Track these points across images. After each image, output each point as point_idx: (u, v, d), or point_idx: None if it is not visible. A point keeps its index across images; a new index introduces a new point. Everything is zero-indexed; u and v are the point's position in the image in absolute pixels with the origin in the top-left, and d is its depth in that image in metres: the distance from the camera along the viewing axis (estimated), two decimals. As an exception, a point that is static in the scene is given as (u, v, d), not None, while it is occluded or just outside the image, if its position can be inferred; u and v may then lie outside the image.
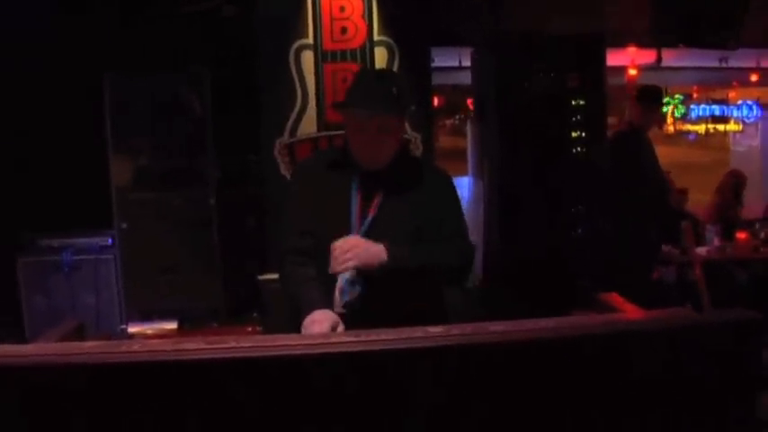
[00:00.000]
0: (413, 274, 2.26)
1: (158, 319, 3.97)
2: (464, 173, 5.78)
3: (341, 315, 2.21)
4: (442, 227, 2.37)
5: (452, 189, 2.49)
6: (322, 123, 4.25)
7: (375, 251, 2.21)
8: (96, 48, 4.27)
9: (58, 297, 4.50)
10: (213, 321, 4.10)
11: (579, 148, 4.44)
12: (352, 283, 2.27)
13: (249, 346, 1.42)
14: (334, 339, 1.66)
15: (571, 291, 3.96)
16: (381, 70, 2.64)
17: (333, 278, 2.28)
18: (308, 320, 2.13)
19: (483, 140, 4.94)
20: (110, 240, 4.50)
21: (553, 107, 4.41)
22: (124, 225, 4.36)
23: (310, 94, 4.22)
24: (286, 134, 4.25)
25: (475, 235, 4.68)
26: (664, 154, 5.43)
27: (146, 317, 4.29)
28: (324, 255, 2.30)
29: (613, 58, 5.12)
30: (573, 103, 4.42)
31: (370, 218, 2.31)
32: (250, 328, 3.41)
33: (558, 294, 3.86)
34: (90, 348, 1.49)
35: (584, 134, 4.44)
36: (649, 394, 1.40)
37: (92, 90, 4.30)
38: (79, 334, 1.76)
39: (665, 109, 8.37)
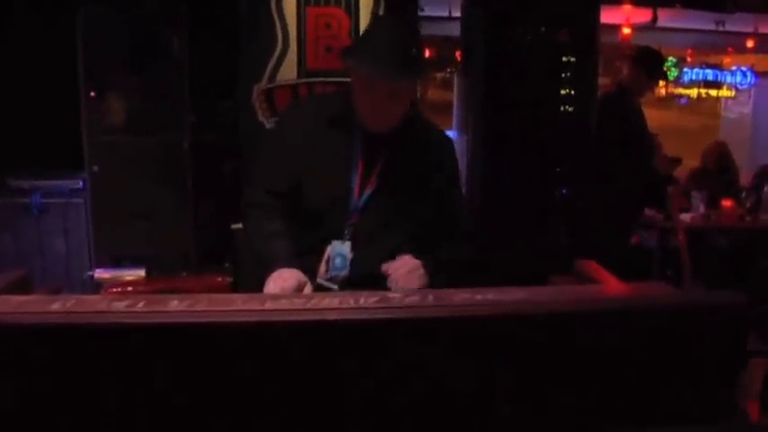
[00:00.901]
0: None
1: (128, 265, 3.85)
2: (449, 127, 5.65)
3: (322, 288, 2.07)
4: (445, 195, 2.24)
5: (454, 153, 2.34)
6: (303, 70, 4.09)
7: (424, 281, 2.04)
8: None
9: (26, 241, 4.38)
10: (183, 270, 4.00)
11: (567, 107, 4.31)
12: (343, 259, 2.12)
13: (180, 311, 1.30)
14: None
15: (549, 253, 3.88)
16: (400, 25, 2.21)
17: (316, 246, 2.13)
18: (273, 276, 1.99)
19: (468, 94, 4.82)
20: (80, 183, 4.37)
21: (542, 63, 4.28)
22: (95, 168, 4.22)
23: (291, 39, 4.05)
24: (265, 80, 4.09)
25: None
26: (654, 118, 5.33)
27: (116, 263, 4.18)
28: (313, 219, 2.16)
29: (607, 16, 4.97)
30: (563, 59, 4.29)
31: (370, 188, 2.14)
32: (220, 278, 3.31)
33: (536, 256, 3.77)
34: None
35: (573, 92, 4.31)
36: (621, 380, 1.31)
37: (65, 26, 4.12)
38: (22, 287, 1.63)
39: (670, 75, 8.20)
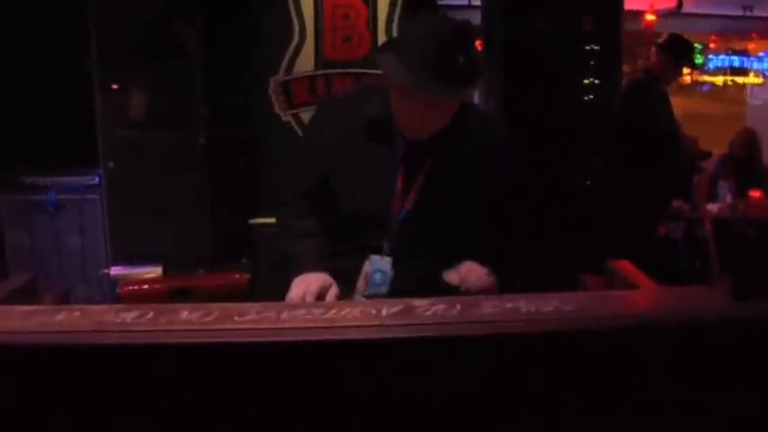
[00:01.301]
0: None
1: (144, 262, 3.79)
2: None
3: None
4: (493, 193, 2.00)
5: (508, 147, 2.12)
6: (320, 61, 4.01)
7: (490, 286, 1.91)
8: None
9: (41, 238, 4.33)
10: (200, 266, 3.93)
11: (591, 96, 4.20)
12: (383, 275, 1.95)
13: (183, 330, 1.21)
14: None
15: (574, 250, 3.77)
16: (444, 25, 1.78)
17: (351, 253, 1.99)
18: (297, 279, 1.88)
19: (488, 85, 4.70)
20: (96, 179, 4.30)
21: (565, 51, 4.16)
22: (111, 164, 4.16)
23: (308, 30, 3.97)
24: (281, 71, 4.02)
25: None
26: (678, 105, 5.19)
27: (132, 259, 4.13)
28: (348, 225, 2.00)
29: (631, 1, 4.84)
30: (586, 48, 4.16)
31: (412, 200, 1.95)
32: (238, 275, 3.23)
33: (563, 253, 3.68)
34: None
35: (597, 81, 4.19)
36: (658, 394, 1.21)
37: (78, 19, 4.06)
38: (30, 291, 1.56)
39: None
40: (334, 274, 1.92)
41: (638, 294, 1.56)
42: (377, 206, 1.95)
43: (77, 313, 1.23)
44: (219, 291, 3.37)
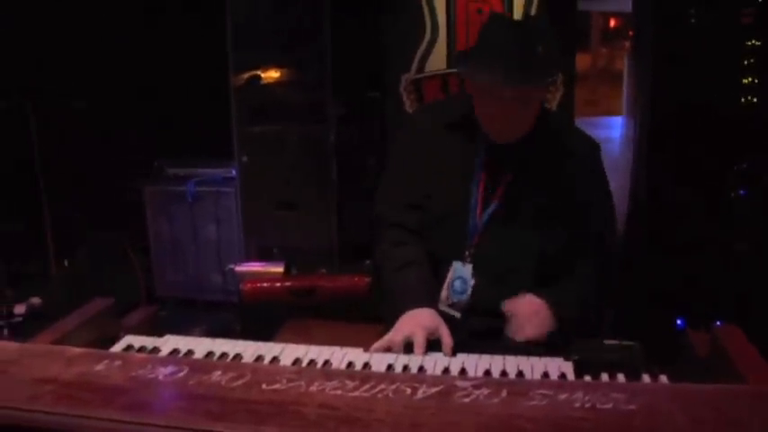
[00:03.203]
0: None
1: (268, 260, 3.86)
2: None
3: (445, 315, 1.89)
4: (584, 217, 1.94)
5: (600, 166, 2.02)
6: (452, 59, 3.88)
7: (549, 324, 1.83)
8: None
9: (181, 227, 4.52)
10: (326, 264, 3.95)
11: (750, 97, 3.80)
12: (462, 282, 1.92)
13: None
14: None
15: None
16: (521, 21, 2.14)
17: (441, 265, 1.97)
18: (405, 317, 1.80)
19: (638, 79, 4.39)
20: (233, 172, 4.43)
21: (721, 46, 3.78)
22: (245, 158, 4.25)
23: (440, 26, 3.84)
24: (413, 69, 3.92)
25: (623, 180, 4.23)
26: None
27: (263, 253, 4.22)
28: (430, 231, 1.98)
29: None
30: (746, 43, 3.77)
31: (493, 207, 1.91)
32: (357, 278, 3.22)
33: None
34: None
35: (757, 81, 3.79)
36: None
37: (215, 15, 4.16)
38: (107, 317, 1.57)
39: None
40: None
41: (736, 395, 1.28)
42: (457, 211, 1.93)
43: (119, 362, 1.22)
44: (339, 292, 3.37)
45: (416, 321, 1.77)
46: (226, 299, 4.33)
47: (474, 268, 1.92)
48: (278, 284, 3.36)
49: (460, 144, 1.95)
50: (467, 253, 1.94)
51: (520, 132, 1.86)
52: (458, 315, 1.95)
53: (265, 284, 3.35)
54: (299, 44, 4.01)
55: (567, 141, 1.99)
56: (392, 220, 2.03)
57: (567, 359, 1.56)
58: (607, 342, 1.67)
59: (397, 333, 1.75)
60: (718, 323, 1.62)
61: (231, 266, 3.66)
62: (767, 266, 3.73)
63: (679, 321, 3.77)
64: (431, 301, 1.89)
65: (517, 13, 3.72)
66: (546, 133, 1.92)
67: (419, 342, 1.69)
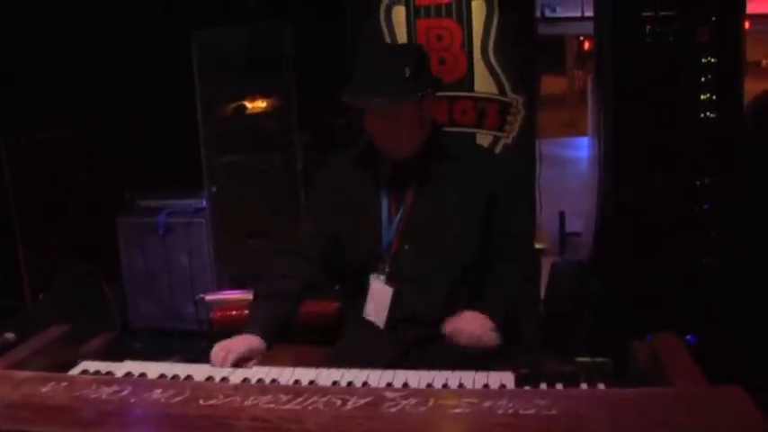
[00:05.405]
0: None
1: (239, 287, 3.88)
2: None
3: (371, 325, 2.04)
4: (501, 226, 2.06)
5: (508, 177, 2.14)
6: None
7: (492, 337, 1.89)
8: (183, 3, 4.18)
9: (153, 258, 4.53)
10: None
11: (708, 113, 3.87)
12: (382, 293, 2.05)
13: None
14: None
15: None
16: (392, 46, 2.58)
17: (364, 285, 2.09)
18: (224, 342, 1.90)
19: (600, 97, 4.46)
20: (203, 203, 4.45)
21: (678, 64, 3.86)
22: (214, 188, 4.29)
23: (402, 53, 3.91)
24: (378, 96, 3.97)
25: (591, 198, 4.29)
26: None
27: (236, 282, 4.23)
28: (350, 261, 2.11)
29: (756, 5, 4.44)
30: (703, 60, 3.84)
31: (397, 218, 2.03)
32: (325, 304, 3.24)
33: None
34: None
35: (714, 97, 3.86)
36: None
37: (182, 48, 4.22)
38: (63, 343, 1.60)
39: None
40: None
41: (659, 398, 1.30)
42: (372, 226, 2.06)
43: (65, 384, 1.25)
44: (308, 318, 3.38)
45: (240, 342, 1.88)
46: (200, 328, 4.33)
47: (391, 279, 2.03)
48: (246, 312, 3.38)
49: (368, 169, 2.10)
50: (381, 266, 2.06)
51: (408, 147, 2.01)
52: (381, 325, 2.06)
53: (234, 312, 3.37)
54: (264, 74, 4.06)
55: (466, 156, 2.12)
56: (287, 248, 2.19)
57: (513, 371, 1.60)
58: (579, 359, 1.72)
59: (216, 350, 1.85)
60: (689, 337, 1.67)
61: (201, 296, 3.69)
62: (735, 279, 3.77)
63: (648, 337, 3.79)
64: (264, 330, 1.95)
65: (476, 40, 3.80)
66: (441, 150, 2.08)
67: (229, 359, 1.79)
